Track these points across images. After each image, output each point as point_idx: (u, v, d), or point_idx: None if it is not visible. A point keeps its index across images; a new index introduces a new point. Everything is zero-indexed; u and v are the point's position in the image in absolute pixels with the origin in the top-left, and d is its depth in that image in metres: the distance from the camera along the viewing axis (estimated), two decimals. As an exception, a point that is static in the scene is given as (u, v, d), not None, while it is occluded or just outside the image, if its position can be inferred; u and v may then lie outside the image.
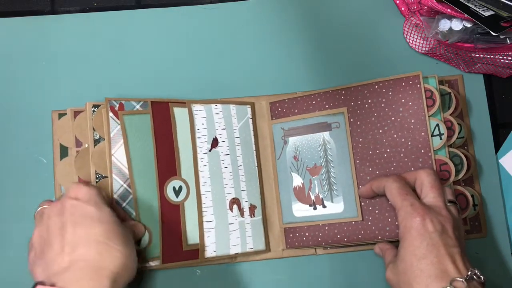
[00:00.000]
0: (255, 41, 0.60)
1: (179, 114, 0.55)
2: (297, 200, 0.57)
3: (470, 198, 0.54)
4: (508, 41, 0.53)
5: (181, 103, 0.55)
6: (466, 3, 0.51)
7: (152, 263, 0.51)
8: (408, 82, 0.53)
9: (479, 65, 0.58)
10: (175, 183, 0.54)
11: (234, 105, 0.58)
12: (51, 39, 0.59)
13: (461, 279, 0.43)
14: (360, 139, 0.55)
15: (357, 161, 0.55)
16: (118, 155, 0.52)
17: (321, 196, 0.56)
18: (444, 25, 0.54)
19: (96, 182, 0.51)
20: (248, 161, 0.57)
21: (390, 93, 0.54)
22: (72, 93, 0.57)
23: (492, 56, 0.56)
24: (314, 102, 0.57)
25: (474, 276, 0.44)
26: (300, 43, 0.60)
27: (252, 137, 0.58)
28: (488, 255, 0.57)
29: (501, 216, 0.57)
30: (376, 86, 0.55)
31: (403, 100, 0.53)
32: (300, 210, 0.56)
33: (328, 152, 0.56)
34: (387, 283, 0.49)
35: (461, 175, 0.53)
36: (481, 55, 0.56)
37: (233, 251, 0.55)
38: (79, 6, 0.61)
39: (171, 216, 0.53)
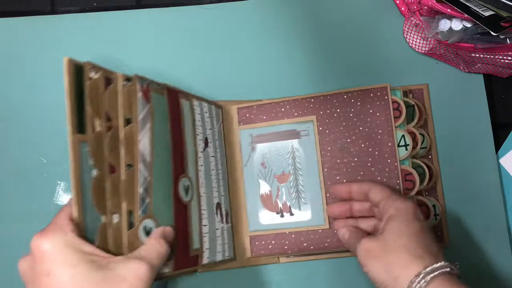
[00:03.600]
0: (255, 41, 0.60)
1: (185, 107, 0.50)
2: (264, 207, 0.56)
3: (432, 208, 0.55)
4: (508, 41, 0.53)
5: (185, 95, 0.51)
6: (466, 3, 0.50)
7: (165, 269, 0.44)
8: (376, 94, 0.54)
9: (479, 65, 0.58)
10: (184, 180, 0.48)
11: (212, 105, 0.55)
12: (51, 39, 0.59)
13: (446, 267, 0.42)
14: (329, 148, 0.55)
15: (325, 170, 0.55)
16: (144, 142, 0.43)
17: (288, 204, 0.56)
18: (444, 25, 0.54)
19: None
20: (223, 165, 0.56)
21: (358, 104, 0.55)
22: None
23: (492, 56, 0.56)
24: (283, 109, 0.57)
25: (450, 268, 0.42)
26: (300, 43, 0.60)
27: (223, 142, 0.57)
28: (488, 255, 0.57)
29: (501, 216, 0.57)
30: (345, 96, 0.55)
31: (371, 111, 0.54)
32: (267, 218, 0.56)
33: (296, 160, 0.56)
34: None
35: (423, 185, 0.55)
36: (481, 55, 0.56)
37: (218, 257, 0.52)
38: (79, 6, 0.61)
39: (181, 217, 0.47)
